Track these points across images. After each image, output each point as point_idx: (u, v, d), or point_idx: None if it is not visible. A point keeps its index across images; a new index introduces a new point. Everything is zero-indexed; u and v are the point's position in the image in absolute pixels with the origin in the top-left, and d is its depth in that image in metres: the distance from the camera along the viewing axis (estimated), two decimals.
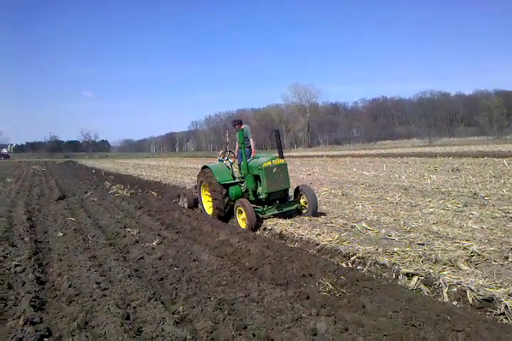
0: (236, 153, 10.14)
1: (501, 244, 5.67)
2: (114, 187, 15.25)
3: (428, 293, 4.44)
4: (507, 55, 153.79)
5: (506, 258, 5.11)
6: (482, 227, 6.63)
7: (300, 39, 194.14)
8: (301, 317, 3.66)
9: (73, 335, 3.46)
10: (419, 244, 5.87)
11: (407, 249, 5.64)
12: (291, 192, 8.97)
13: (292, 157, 37.56)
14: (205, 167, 9.38)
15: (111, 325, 3.54)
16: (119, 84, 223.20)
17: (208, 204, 9.52)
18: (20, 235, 7.55)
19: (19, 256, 5.93)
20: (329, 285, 4.50)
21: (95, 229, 7.95)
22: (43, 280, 5.11)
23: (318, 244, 6.27)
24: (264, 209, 8.30)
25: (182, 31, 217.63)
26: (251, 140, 10.02)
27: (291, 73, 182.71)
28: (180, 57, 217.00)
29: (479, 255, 5.23)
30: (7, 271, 5.32)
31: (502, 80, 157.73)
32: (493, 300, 3.94)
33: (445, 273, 4.67)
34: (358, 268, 5.33)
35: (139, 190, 15.01)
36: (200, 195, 9.82)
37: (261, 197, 8.35)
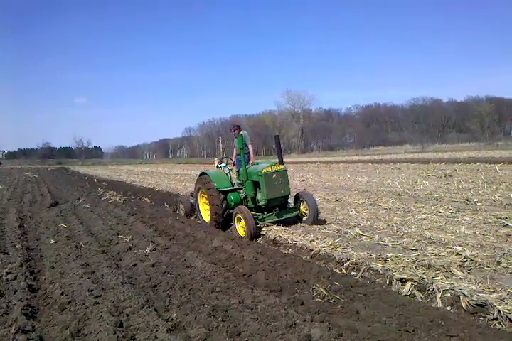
0: (234, 159, 10.01)
1: (494, 249, 5.70)
2: (107, 194, 15.19)
3: (422, 298, 4.45)
4: (498, 62, 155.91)
5: (499, 263, 5.14)
6: (475, 233, 6.66)
7: (294, 46, 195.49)
8: (295, 324, 3.66)
9: None
10: (413, 250, 5.88)
11: (401, 254, 5.65)
12: (290, 198, 8.80)
13: (286, 163, 37.49)
14: (203, 173, 9.17)
15: (104, 333, 3.51)
16: (113, 90, 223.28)
17: (205, 212, 9.30)
18: (11, 242, 7.48)
19: (11, 264, 5.87)
20: (323, 291, 4.50)
21: (88, 236, 7.89)
22: (35, 287, 5.07)
23: (312, 250, 6.26)
24: (264, 216, 8.11)
25: (177, 38, 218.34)
26: (249, 146, 9.88)
27: (285, 80, 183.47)
28: (174, 63, 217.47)
29: (472, 260, 5.25)
30: None
31: (493, 87, 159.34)
32: (486, 305, 3.96)
33: (438, 278, 4.69)
34: (352, 274, 5.33)
35: (132, 197, 14.96)
36: (197, 202, 9.56)
37: (260, 204, 8.15)
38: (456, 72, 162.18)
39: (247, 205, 8.29)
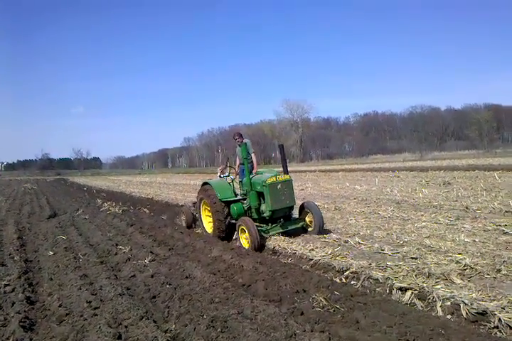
0: (237, 169, 9.81)
1: (494, 257, 5.68)
2: (106, 205, 15.18)
3: (422, 307, 4.42)
4: (496, 69, 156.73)
5: (499, 271, 5.12)
6: (474, 241, 6.65)
7: (292, 54, 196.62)
8: (295, 334, 3.63)
9: None
10: (412, 258, 5.87)
11: (401, 263, 5.64)
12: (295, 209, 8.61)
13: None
14: (205, 183, 8.98)
15: None
16: (111, 100, 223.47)
17: (208, 223, 9.11)
18: (10, 254, 7.45)
19: (9, 276, 5.84)
20: (323, 300, 4.47)
21: (86, 247, 7.86)
22: (33, 299, 5.04)
23: (312, 259, 6.24)
24: (268, 227, 7.90)
25: (175, 47, 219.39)
26: (252, 155, 9.64)
27: (283, 89, 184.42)
28: (173, 73, 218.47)
29: (472, 268, 5.23)
30: None
31: (491, 94, 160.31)
32: (486, 313, 3.94)
33: (438, 286, 4.67)
34: (352, 283, 5.30)
35: (131, 207, 14.95)
36: (199, 213, 9.35)
37: (264, 215, 7.90)
38: (454, 79, 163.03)
39: (250, 216, 8.09)
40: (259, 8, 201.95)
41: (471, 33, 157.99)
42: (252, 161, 9.54)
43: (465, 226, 7.79)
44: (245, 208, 8.30)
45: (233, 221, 8.22)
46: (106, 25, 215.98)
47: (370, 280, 5.18)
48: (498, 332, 3.74)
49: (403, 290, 4.74)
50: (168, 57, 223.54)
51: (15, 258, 7.04)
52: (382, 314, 4.13)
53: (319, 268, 6.00)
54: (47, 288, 5.48)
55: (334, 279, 5.44)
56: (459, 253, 5.90)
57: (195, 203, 10.04)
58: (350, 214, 10.25)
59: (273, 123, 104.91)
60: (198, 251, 7.44)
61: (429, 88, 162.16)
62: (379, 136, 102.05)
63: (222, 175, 9.39)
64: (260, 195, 8.00)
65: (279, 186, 7.73)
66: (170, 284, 5.34)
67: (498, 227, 7.46)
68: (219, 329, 3.81)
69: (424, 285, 4.71)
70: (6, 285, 5.38)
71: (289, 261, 6.63)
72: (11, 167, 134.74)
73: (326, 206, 11.76)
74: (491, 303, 4.09)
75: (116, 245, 7.92)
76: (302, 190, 17.84)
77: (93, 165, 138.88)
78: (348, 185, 18.36)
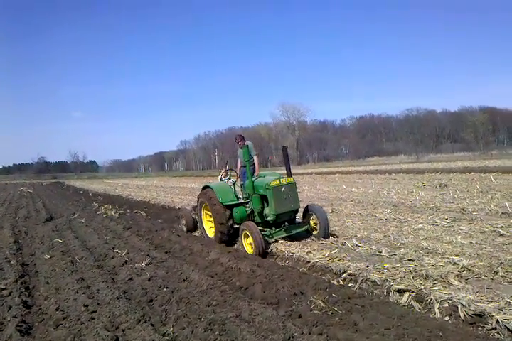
0: (238, 172, 9.61)
1: (491, 258, 5.69)
2: (103, 208, 15.15)
3: (420, 309, 4.43)
4: (491, 72, 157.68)
5: (496, 272, 5.13)
6: (471, 242, 6.66)
7: (288, 58, 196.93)
8: (293, 337, 3.63)
9: None
10: (410, 260, 5.87)
11: (398, 265, 5.64)
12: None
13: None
14: (206, 186, 8.73)
15: None
16: (107, 103, 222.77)
17: (209, 227, 8.89)
18: (6, 258, 7.41)
19: (5, 280, 5.82)
20: (321, 303, 4.47)
21: (83, 251, 7.84)
22: (30, 303, 5.02)
23: (309, 262, 6.24)
24: (272, 232, 7.69)
25: (171, 51, 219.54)
26: (255, 157, 9.37)
27: (280, 92, 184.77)
28: (169, 76, 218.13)
29: (469, 270, 5.24)
30: None
31: (487, 97, 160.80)
32: (484, 315, 3.95)
33: (436, 288, 4.67)
34: (350, 285, 5.31)
35: (128, 211, 14.92)
36: (200, 217, 9.09)
37: (268, 218, 7.65)
38: (450, 82, 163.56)
39: (253, 220, 7.91)
40: (257, 12, 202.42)
41: (467, 35, 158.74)
42: (253, 163, 9.28)
43: (462, 228, 7.80)
44: (248, 212, 8.05)
45: (236, 225, 8.03)
46: (104, 29, 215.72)
47: (368, 283, 5.18)
48: (495, 334, 3.75)
49: (401, 292, 4.75)
50: (165, 61, 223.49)
51: (11, 262, 7.01)
52: (380, 316, 4.13)
53: (317, 270, 6.00)
54: (43, 291, 5.45)
55: (332, 281, 5.44)
56: (456, 255, 5.90)
57: (195, 207, 9.88)
58: (347, 216, 10.25)
59: (269, 126, 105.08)
60: (195, 254, 7.42)
61: (424, 91, 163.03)
62: (375, 138, 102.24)
63: (223, 178, 9.20)
64: (263, 199, 7.79)
65: (282, 189, 7.52)
66: (167, 287, 5.33)
67: (495, 229, 7.48)
68: (217, 332, 3.80)
69: (422, 287, 4.71)
70: (2, 289, 5.36)
71: (286, 263, 6.64)
72: (6, 170, 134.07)
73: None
74: (489, 305, 4.09)
75: (113, 248, 7.90)
76: (299, 192, 17.70)
77: (89, 168, 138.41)
78: (344, 187, 18.38)
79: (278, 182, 7.52)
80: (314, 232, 7.95)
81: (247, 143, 9.39)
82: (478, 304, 4.12)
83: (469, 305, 4.10)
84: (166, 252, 7.61)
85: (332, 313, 4.33)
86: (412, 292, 4.66)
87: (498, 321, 3.79)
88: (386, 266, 5.59)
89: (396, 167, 38.36)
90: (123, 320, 4.18)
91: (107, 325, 3.98)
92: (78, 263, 6.92)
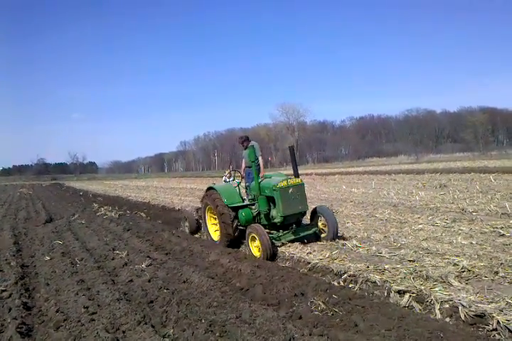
0: (243, 173, 9.49)
1: (491, 259, 5.69)
2: (102, 209, 15.14)
3: (420, 310, 4.42)
4: (491, 72, 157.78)
5: (496, 273, 5.13)
6: (471, 243, 6.66)
7: (287, 58, 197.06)
8: (293, 338, 3.63)
9: None
10: (410, 261, 5.87)
11: (398, 265, 5.64)
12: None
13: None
14: (210, 188, 8.48)
15: None
16: (107, 105, 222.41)
17: (214, 230, 8.68)
18: (6, 259, 7.41)
19: (5, 281, 5.82)
20: (321, 304, 4.47)
21: (83, 252, 7.83)
22: (30, 305, 5.01)
23: (310, 263, 6.24)
24: (280, 234, 7.45)
25: (170, 52, 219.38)
26: (259, 158, 9.15)
27: (279, 92, 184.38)
28: (168, 77, 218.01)
29: (469, 270, 5.24)
30: None
31: (486, 97, 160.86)
32: (485, 315, 3.94)
33: (436, 289, 4.67)
34: (350, 286, 5.30)
35: (128, 212, 14.90)
36: (204, 220, 8.90)
37: (275, 221, 7.46)
38: (449, 82, 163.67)
39: (259, 222, 7.69)
40: (255, 13, 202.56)
41: (467, 36, 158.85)
42: (258, 164, 8.99)
43: (462, 228, 7.81)
44: (254, 214, 7.82)
45: (242, 227, 7.85)
46: (103, 32, 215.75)
47: (368, 283, 5.18)
48: (496, 335, 3.75)
49: (401, 293, 4.75)
50: (164, 62, 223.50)
51: (11, 264, 7.01)
52: (380, 317, 4.13)
53: (317, 271, 6.00)
54: (44, 293, 5.44)
55: (332, 282, 5.43)
56: (457, 256, 5.91)
57: (198, 209, 9.77)
58: (347, 217, 10.25)
59: (269, 127, 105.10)
60: (195, 255, 7.42)
61: (424, 91, 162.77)
62: (375, 139, 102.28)
63: (227, 180, 9.07)
64: (270, 200, 7.60)
65: (290, 190, 7.33)
66: (167, 289, 5.32)
67: (495, 229, 7.48)
68: (217, 334, 3.80)
69: (422, 287, 4.71)
70: (2, 291, 5.37)
71: (286, 264, 6.63)
72: (6, 172, 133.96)
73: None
74: (489, 305, 4.09)
75: (113, 250, 7.89)
76: None
77: (89, 169, 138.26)
78: (344, 188, 18.37)
79: (285, 183, 7.33)
80: (323, 235, 7.74)
81: (253, 143, 9.28)
82: (479, 305, 4.12)
83: (470, 306, 4.09)
84: (166, 253, 7.61)
85: (332, 314, 4.33)
86: (413, 293, 4.65)
87: (498, 322, 3.78)
88: (386, 266, 5.59)
89: (396, 167, 38.35)
90: (123, 322, 4.18)
91: (108, 327, 3.98)
92: (78, 265, 6.92)
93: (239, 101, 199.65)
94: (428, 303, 4.43)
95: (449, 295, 4.44)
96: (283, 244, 7.35)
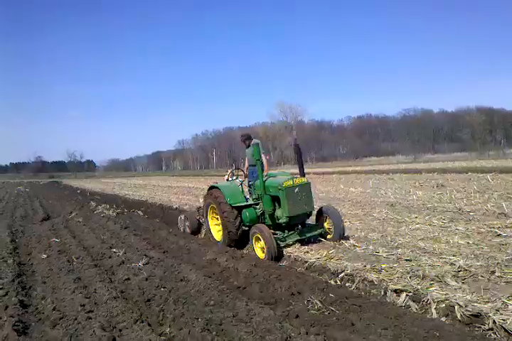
0: (246, 172, 9.32)
1: (488, 258, 5.70)
2: (100, 207, 15.11)
3: (416, 309, 4.43)
4: (489, 72, 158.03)
5: (493, 273, 5.13)
6: (468, 242, 6.67)
7: (286, 57, 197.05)
8: (290, 337, 3.63)
9: None
10: (407, 260, 5.87)
11: (395, 265, 5.64)
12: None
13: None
14: (213, 187, 8.33)
15: None
16: (105, 103, 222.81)
17: (217, 231, 8.46)
18: (3, 257, 7.38)
19: (2, 279, 5.80)
20: (318, 303, 4.48)
21: (80, 251, 7.82)
22: (27, 303, 4.99)
23: (307, 262, 6.25)
24: (285, 235, 7.24)
25: (168, 49, 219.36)
26: (262, 156, 8.66)
27: (277, 91, 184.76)
28: (166, 75, 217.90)
29: (466, 270, 5.25)
30: None
31: (484, 97, 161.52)
32: (481, 315, 3.94)
33: (433, 288, 4.67)
34: (347, 285, 5.31)
35: (125, 210, 14.88)
36: (206, 219, 8.72)
37: (280, 221, 7.22)
38: (447, 82, 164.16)
39: (263, 222, 7.53)
40: (254, 11, 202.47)
41: (465, 35, 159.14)
42: (262, 163, 8.57)
43: (459, 228, 7.81)
44: (258, 214, 7.68)
45: (245, 227, 7.75)
46: (101, 30, 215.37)
47: (365, 283, 5.19)
48: (492, 334, 3.75)
49: (398, 292, 4.75)
50: (162, 60, 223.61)
51: (8, 262, 6.99)
52: (377, 316, 4.14)
53: (314, 270, 6.01)
54: (40, 291, 5.43)
55: (329, 281, 5.44)
56: (453, 255, 5.91)
57: (199, 208, 9.66)
58: (344, 216, 10.21)
59: (267, 126, 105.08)
60: (192, 253, 7.42)
61: (422, 91, 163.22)
62: (372, 138, 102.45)
63: (230, 179, 8.94)
64: (275, 200, 7.41)
65: (296, 190, 7.10)
66: (164, 287, 5.32)
67: (492, 229, 7.48)
68: (214, 333, 3.80)
69: (419, 287, 4.71)
70: None
71: (283, 263, 6.63)
72: (3, 169, 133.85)
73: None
74: (486, 305, 4.10)
75: (110, 248, 7.88)
76: None
77: (87, 168, 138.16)
78: (342, 187, 18.38)
79: (291, 182, 7.12)
80: (328, 236, 7.54)
81: (256, 141, 9.12)
82: (475, 304, 4.12)
83: (466, 306, 4.10)
84: (164, 252, 7.60)
85: (329, 313, 4.33)
86: (409, 292, 4.65)
87: (494, 321, 3.79)
88: (383, 266, 5.60)
89: (393, 167, 38.43)
90: (120, 320, 4.17)
91: (104, 325, 3.97)
92: (75, 263, 6.91)
93: (237, 100, 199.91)
94: (424, 303, 4.43)
95: (446, 294, 4.45)
96: (288, 245, 7.20)
